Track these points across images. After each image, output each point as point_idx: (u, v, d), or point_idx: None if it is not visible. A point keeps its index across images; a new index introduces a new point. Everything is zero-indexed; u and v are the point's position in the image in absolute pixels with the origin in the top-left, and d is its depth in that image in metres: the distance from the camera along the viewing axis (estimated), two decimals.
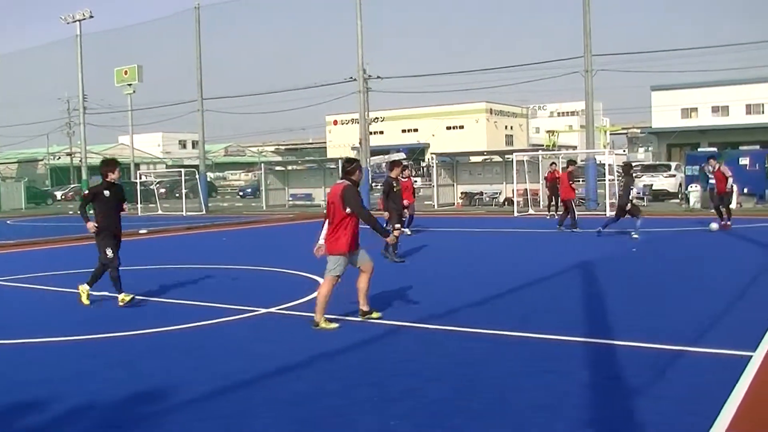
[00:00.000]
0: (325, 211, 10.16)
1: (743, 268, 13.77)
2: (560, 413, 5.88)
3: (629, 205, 19.55)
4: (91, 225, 11.64)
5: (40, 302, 12.62)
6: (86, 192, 11.93)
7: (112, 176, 11.92)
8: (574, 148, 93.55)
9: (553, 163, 28.96)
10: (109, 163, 11.92)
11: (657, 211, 30.00)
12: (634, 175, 21.77)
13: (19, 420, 6.15)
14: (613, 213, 21.06)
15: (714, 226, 20.82)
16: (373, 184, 56.05)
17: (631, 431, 5.47)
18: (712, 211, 22.28)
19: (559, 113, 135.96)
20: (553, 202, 27.99)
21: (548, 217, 27.93)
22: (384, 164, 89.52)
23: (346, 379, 7.07)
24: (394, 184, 17.20)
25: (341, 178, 9.80)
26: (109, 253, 11.66)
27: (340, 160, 43.52)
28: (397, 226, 15.21)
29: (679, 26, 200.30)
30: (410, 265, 16.02)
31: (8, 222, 39.29)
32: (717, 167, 21.82)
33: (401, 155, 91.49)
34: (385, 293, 12.14)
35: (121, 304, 11.21)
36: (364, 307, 9.95)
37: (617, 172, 22.54)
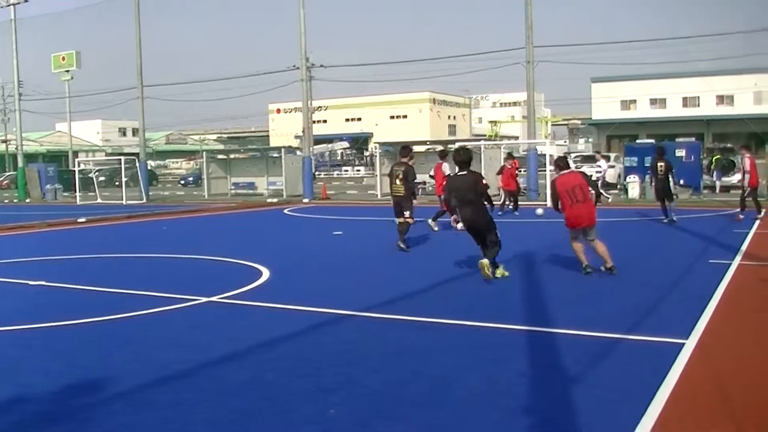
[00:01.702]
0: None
1: (679, 258, 14.06)
2: (498, 402, 5.94)
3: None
4: None
5: None
6: None
7: None
8: (516, 138, 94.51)
9: (509, 154, 29.20)
10: None
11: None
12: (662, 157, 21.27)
13: None
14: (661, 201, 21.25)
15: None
16: (316, 173, 55.92)
17: (567, 419, 5.55)
18: (656, 202, 22.28)
19: (501, 104, 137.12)
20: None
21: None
22: (327, 153, 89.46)
23: (284, 368, 7.04)
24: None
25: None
26: None
27: (283, 149, 43.43)
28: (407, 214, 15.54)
29: (618, 19, 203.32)
30: (351, 254, 16.01)
31: None
32: (748, 157, 21.06)
33: (344, 144, 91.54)
34: (324, 282, 12.14)
35: None
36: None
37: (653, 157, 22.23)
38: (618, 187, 36.53)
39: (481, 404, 5.88)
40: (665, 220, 20.57)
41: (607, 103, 72.60)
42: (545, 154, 34.19)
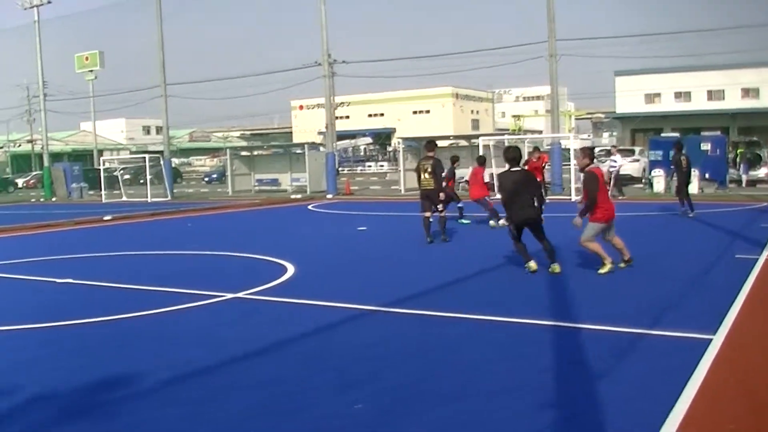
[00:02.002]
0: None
1: (705, 252, 13.93)
2: (522, 396, 5.91)
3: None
4: None
5: (1, 290, 12.45)
6: None
7: None
8: (540, 132, 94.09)
9: (536, 148, 29.02)
10: None
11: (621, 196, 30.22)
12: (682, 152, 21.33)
13: None
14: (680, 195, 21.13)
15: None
16: (339, 169, 55.98)
17: (592, 414, 5.51)
18: (677, 196, 22.13)
19: (524, 98, 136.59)
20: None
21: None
22: (350, 149, 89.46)
23: (309, 363, 7.06)
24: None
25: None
26: None
27: (306, 145, 43.48)
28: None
29: (643, 13, 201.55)
30: (375, 249, 16.01)
31: None
32: None
33: (367, 139, 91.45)
34: (349, 278, 12.16)
35: None
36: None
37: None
38: (642, 181, 36.27)
39: (505, 399, 5.86)
40: (691, 214, 20.40)
41: (631, 96, 72.01)
42: (569, 149, 33.98)
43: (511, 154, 11.92)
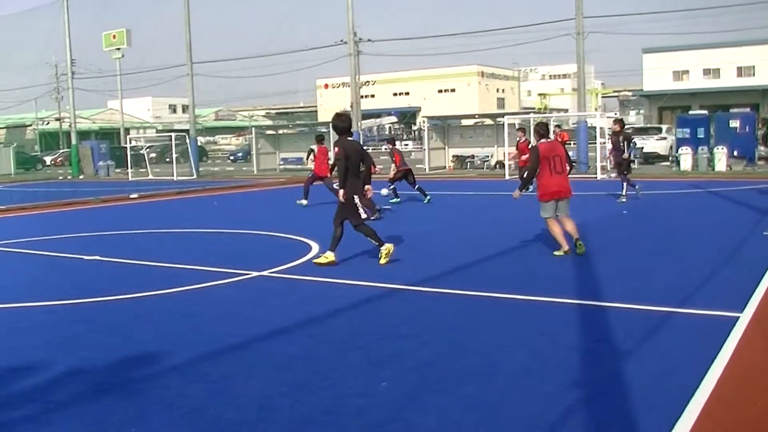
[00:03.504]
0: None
1: (732, 230, 13.83)
2: (548, 375, 5.92)
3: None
4: None
5: (30, 267, 12.61)
6: None
7: None
8: (566, 110, 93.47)
9: (558, 125, 29.04)
10: None
11: (648, 174, 30.04)
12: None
13: (12, 384, 6.17)
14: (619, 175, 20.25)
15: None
16: (365, 147, 55.91)
17: (619, 392, 5.51)
18: (707, 174, 21.67)
19: (550, 76, 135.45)
20: None
21: None
22: (375, 128, 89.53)
23: (335, 342, 7.10)
24: None
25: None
26: None
27: (331, 124, 43.39)
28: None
29: None
30: (400, 228, 16.02)
31: None
32: None
33: (392, 118, 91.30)
34: (375, 256, 12.17)
35: None
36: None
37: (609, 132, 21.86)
38: (670, 159, 36.00)
39: (531, 378, 5.87)
40: (634, 191, 19.71)
41: (658, 73, 71.24)
42: (596, 127, 33.73)
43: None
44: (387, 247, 11.09)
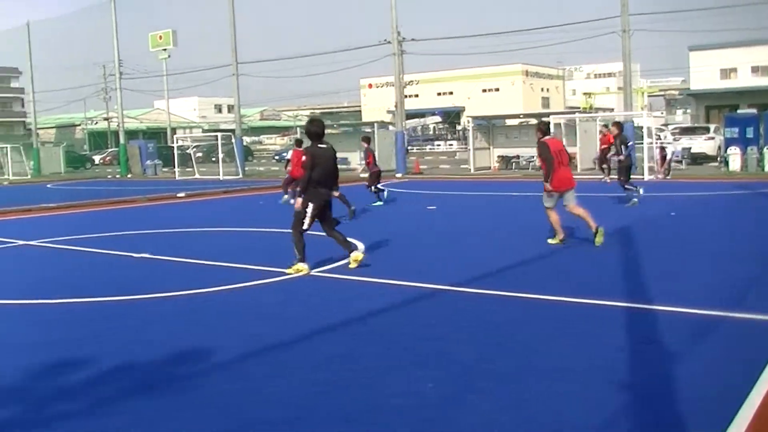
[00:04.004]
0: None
1: None
2: (591, 377, 5.87)
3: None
4: None
5: (81, 264, 12.83)
6: None
7: None
8: (611, 110, 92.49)
9: (605, 125, 28.96)
10: None
11: (696, 175, 29.67)
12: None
13: (59, 379, 6.30)
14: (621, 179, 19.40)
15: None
16: (408, 148, 55.92)
17: (665, 396, 5.44)
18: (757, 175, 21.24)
19: (596, 75, 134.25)
20: (605, 166, 28.46)
21: (608, 182, 27.26)
22: (419, 128, 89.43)
23: (376, 341, 7.13)
24: None
25: None
26: None
27: (375, 124, 43.55)
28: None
29: None
30: (444, 229, 16.02)
31: (48, 186, 39.86)
32: None
33: (437, 118, 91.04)
34: (416, 257, 12.19)
35: None
36: None
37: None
38: (718, 159, 35.45)
39: (572, 380, 5.83)
40: (635, 198, 18.97)
41: (705, 72, 70.14)
42: (642, 126, 33.32)
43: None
44: (302, 267, 10.64)
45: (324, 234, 11.12)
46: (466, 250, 12.94)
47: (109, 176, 49.04)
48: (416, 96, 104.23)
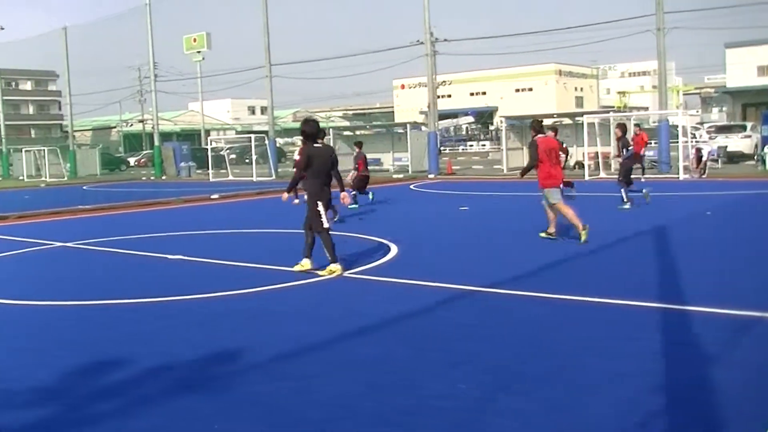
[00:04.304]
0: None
1: None
2: (628, 379, 5.84)
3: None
4: None
5: (117, 265, 12.97)
6: None
7: None
8: (646, 109, 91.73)
9: (638, 125, 28.94)
10: None
11: (732, 174, 29.33)
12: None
13: (100, 378, 6.39)
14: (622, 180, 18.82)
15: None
16: (441, 149, 55.87)
17: (703, 399, 5.40)
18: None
19: (630, 73, 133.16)
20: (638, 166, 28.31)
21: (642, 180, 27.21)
22: (452, 128, 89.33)
23: (413, 343, 7.14)
24: None
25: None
26: None
27: (408, 125, 43.57)
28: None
29: None
30: (477, 229, 15.99)
31: (84, 188, 40.35)
32: None
33: (469, 119, 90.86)
34: (449, 257, 12.19)
35: None
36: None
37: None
38: (755, 158, 35.03)
39: (609, 381, 5.80)
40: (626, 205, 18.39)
41: (742, 69, 69.27)
42: (677, 125, 33.01)
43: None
44: (335, 268, 10.66)
45: (354, 234, 11.15)
46: (499, 250, 12.92)
47: (144, 178, 49.51)
48: (449, 96, 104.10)
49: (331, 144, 45.01)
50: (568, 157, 20.14)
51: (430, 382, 5.96)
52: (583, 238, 12.50)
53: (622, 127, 19.80)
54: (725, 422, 4.95)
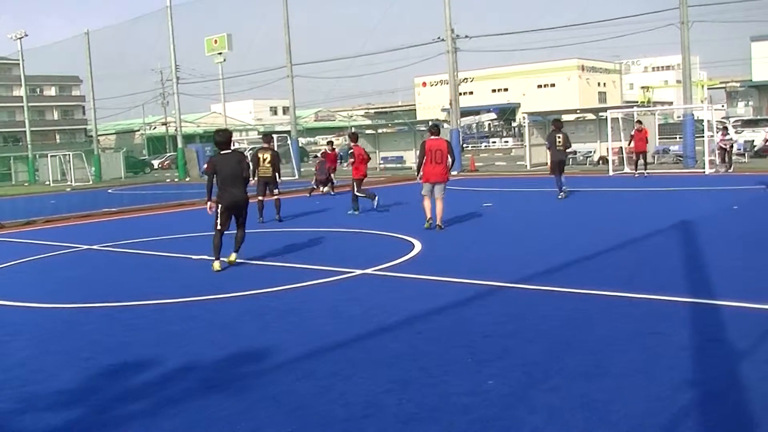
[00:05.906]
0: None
1: None
2: (659, 375, 5.75)
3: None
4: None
5: (141, 266, 13.01)
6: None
7: None
8: (670, 103, 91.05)
9: (638, 121, 29.66)
10: None
11: (759, 168, 29.01)
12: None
13: (127, 379, 6.38)
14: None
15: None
16: (464, 145, 55.73)
17: (733, 395, 5.31)
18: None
19: (653, 68, 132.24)
20: (641, 160, 28.99)
21: (635, 176, 28.10)
22: (474, 125, 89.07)
23: (440, 339, 7.08)
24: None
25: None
26: None
27: (430, 122, 43.47)
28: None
29: None
30: (501, 225, 15.91)
31: (109, 191, 40.62)
32: None
33: (492, 115, 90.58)
34: (474, 253, 12.12)
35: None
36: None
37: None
38: None
39: (640, 377, 5.71)
40: (560, 195, 20.20)
41: None
42: (702, 120, 32.68)
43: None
44: (215, 265, 11.57)
45: (377, 232, 11.12)
46: (524, 246, 12.82)
47: (168, 180, 49.75)
48: (471, 93, 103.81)
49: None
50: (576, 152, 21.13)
51: (457, 378, 5.90)
52: (426, 226, 14.70)
53: (558, 122, 21.18)
54: (759, 419, 4.86)
